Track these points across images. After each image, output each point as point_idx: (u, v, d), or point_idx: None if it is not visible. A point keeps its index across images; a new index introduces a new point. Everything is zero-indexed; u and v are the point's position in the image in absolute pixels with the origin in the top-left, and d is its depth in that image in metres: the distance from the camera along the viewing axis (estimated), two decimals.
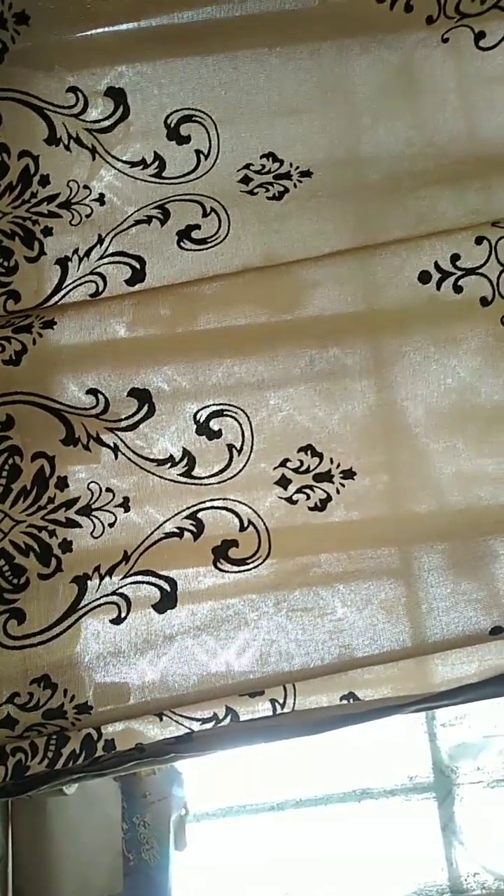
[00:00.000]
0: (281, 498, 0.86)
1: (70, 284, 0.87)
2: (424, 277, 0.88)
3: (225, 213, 0.89)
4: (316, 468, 0.87)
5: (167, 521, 0.85)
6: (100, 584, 0.82)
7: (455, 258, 0.88)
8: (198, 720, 0.82)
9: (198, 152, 0.91)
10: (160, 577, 0.83)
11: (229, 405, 0.87)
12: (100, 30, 0.90)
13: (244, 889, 1.27)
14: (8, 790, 0.76)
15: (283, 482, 0.87)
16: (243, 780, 1.30)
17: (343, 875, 1.25)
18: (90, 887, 1.01)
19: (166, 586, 0.83)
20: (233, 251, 0.89)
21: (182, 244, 0.89)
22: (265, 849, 1.28)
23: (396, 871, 1.26)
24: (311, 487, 0.87)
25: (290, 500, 0.86)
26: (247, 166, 0.91)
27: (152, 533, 0.84)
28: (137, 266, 0.88)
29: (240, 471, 0.87)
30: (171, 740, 0.80)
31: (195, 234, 0.89)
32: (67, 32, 0.90)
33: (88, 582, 0.82)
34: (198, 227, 0.89)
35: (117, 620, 0.81)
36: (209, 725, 0.82)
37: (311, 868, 1.26)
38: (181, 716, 0.82)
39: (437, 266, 0.88)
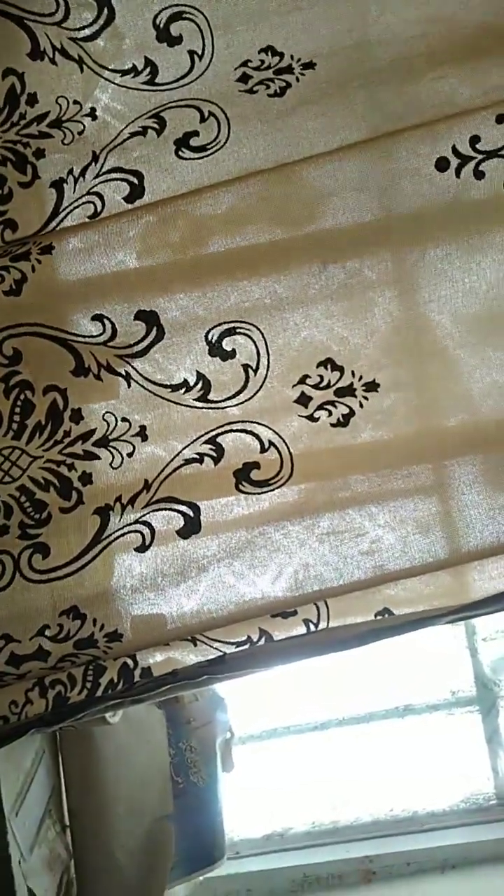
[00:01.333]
0: (302, 416, 0.83)
1: (67, 207, 0.83)
2: (442, 165, 0.81)
3: (224, 115, 0.84)
4: (337, 382, 0.83)
5: (186, 447, 0.83)
6: (122, 515, 0.81)
7: (474, 140, 0.81)
8: (232, 643, 0.81)
9: (191, 53, 0.85)
10: (182, 503, 0.82)
11: (241, 322, 0.84)
12: None
13: (292, 807, 1.30)
14: (48, 720, 0.78)
15: (303, 400, 0.83)
16: (286, 701, 1.32)
17: (389, 791, 1.27)
18: (141, 809, 1.05)
19: (189, 512, 0.82)
20: (235, 156, 0.83)
21: (181, 153, 0.83)
22: (311, 768, 1.30)
23: (442, 785, 1.27)
24: (332, 403, 0.83)
25: (311, 417, 0.83)
26: (244, 63, 0.85)
27: (172, 460, 0.82)
28: (135, 181, 0.83)
29: (257, 391, 0.84)
30: (205, 663, 0.80)
31: (193, 142, 0.84)
32: None
33: (110, 513, 0.81)
34: (196, 133, 0.84)
35: (142, 548, 0.81)
36: (242, 649, 0.81)
37: (357, 786, 1.29)
38: (216, 640, 0.81)
39: (455, 151, 0.81)
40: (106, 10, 0.84)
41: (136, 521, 0.81)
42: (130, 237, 0.86)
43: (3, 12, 0.83)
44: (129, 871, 1.02)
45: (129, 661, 0.81)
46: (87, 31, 0.84)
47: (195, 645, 0.82)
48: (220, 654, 0.80)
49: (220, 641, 0.81)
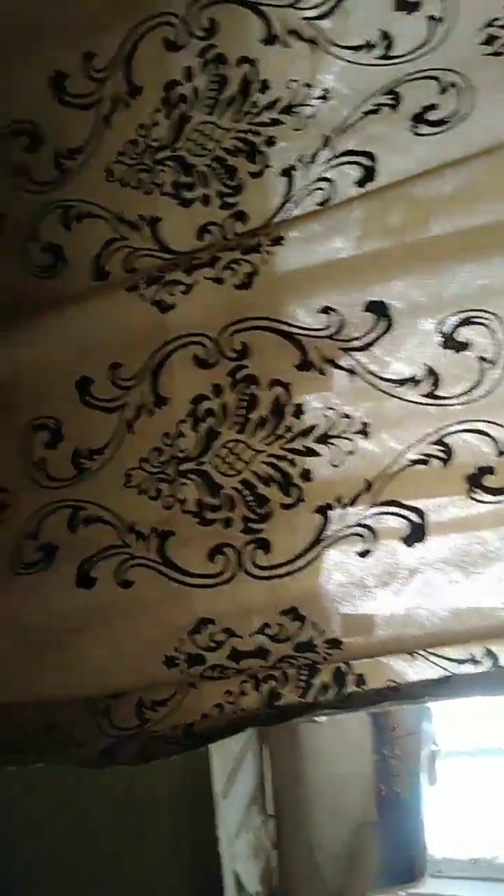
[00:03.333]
0: None
1: (296, 195, 0.81)
2: None
3: (467, 83, 0.76)
4: None
5: (411, 447, 0.77)
6: (343, 515, 0.78)
7: None
8: (453, 661, 0.76)
9: (430, 18, 0.78)
10: (407, 507, 0.77)
11: (479, 311, 0.76)
12: None
13: (496, 828, 1.21)
14: (263, 719, 0.78)
15: None
16: (495, 720, 1.23)
17: None
18: (344, 812, 1.03)
19: (414, 517, 0.76)
20: (479, 128, 0.75)
21: (417, 130, 0.77)
22: None
23: None
24: None
25: None
26: (491, 23, 0.76)
27: (396, 460, 0.77)
28: (368, 163, 0.79)
29: (493, 388, 0.76)
30: (428, 682, 0.75)
31: (431, 116, 0.77)
32: None
33: (330, 512, 0.78)
34: (434, 106, 0.77)
35: (363, 553, 0.77)
36: (465, 668, 0.75)
37: None
38: (434, 654, 0.76)
39: None
40: None
41: (358, 524, 0.77)
42: (349, 222, 0.81)
43: (238, 0, 0.82)
44: (329, 874, 1.01)
45: (343, 666, 0.78)
46: (321, 9, 0.80)
47: (412, 656, 0.77)
48: (443, 671, 0.75)
49: (437, 656, 0.76)
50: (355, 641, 0.77)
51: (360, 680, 0.79)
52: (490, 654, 0.75)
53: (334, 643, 0.77)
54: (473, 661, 0.75)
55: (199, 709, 0.86)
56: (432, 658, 0.77)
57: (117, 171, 0.87)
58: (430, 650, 0.76)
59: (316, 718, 0.97)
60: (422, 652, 0.76)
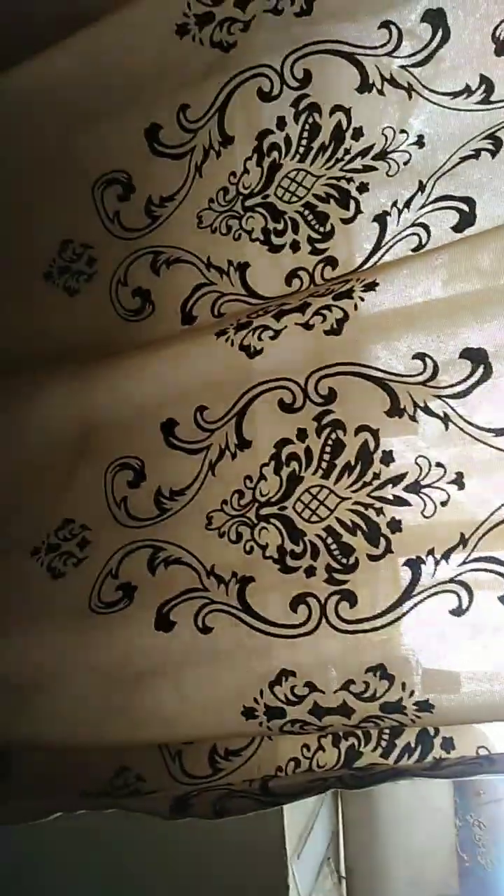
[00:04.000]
0: None
1: (390, 241, 0.80)
2: None
3: None
4: None
5: None
6: (436, 569, 0.74)
7: None
8: None
9: None
10: None
11: None
12: None
13: None
14: (346, 783, 0.74)
15: None
16: None
17: None
18: (423, 881, 0.97)
19: None
20: None
21: None
22: None
23: None
24: None
25: None
26: None
27: (493, 513, 0.74)
28: (466, 208, 0.77)
29: None
30: None
31: None
32: None
33: (422, 566, 0.75)
34: None
35: (458, 611, 0.73)
36: None
37: None
38: None
39: None
40: (440, 31, 0.79)
41: (452, 580, 0.74)
42: (437, 265, 0.80)
43: (333, 51, 0.83)
44: None
45: (430, 728, 0.75)
46: (419, 56, 0.80)
47: None
48: None
49: None
50: (448, 705, 0.73)
51: (448, 744, 0.75)
52: None
53: (425, 705, 0.73)
54: None
55: (274, 761, 0.84)
56: None
57: (207, 218, 0.88)
58: None
59: None
60: None
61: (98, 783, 0.89)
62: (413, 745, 0.76)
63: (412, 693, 0.74)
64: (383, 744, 0.76)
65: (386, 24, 0.80)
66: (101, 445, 0.90)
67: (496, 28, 0.77)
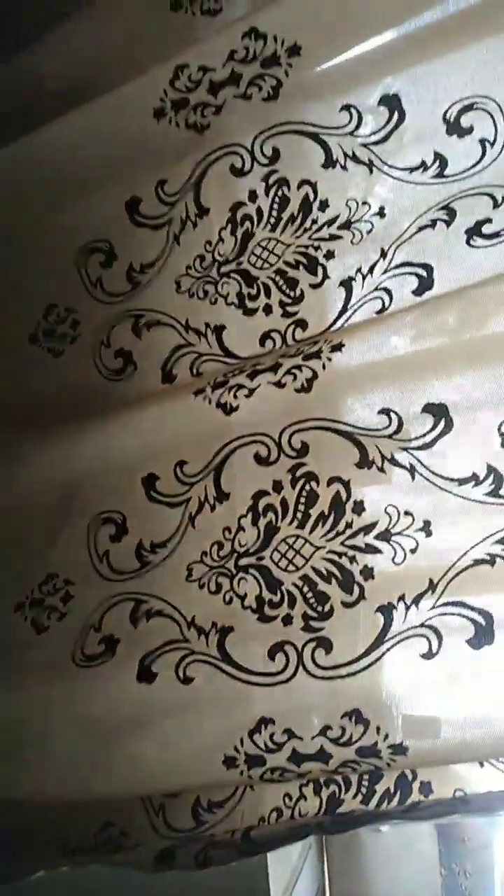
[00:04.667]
0: None
1: (355, 304, 0.85)
2: None
3: None
4: None
5: (475, 546, 0.77)
6: (406, 615, 0.77)
7: None
8: None
9: (482, 141, 0.83)
10: (472, 608, 0.76)
11: None
12: (369, 42, 0.87)
13: None
14: (326, 828, 0.75)
15: None
16: None
17: None
18: None
19: (480, 619, 0.75)
20: None
21: (472, 242, 0.82)
22: None
23: None
24: None
25: None
26: None
27: (459, 560, 0.77)
28: (424, 274, 0.83)
29: None
30: (500, 793, 0.72)
31: (486, 229, 0.81)
32: (337, 54, 0.89)
33: (394, 612, 0.78)
34: (489, 220, 0.81)
35: (428, 655, 0.76)
36: None
37: None
38: None
39: None
40: (397, 113, 0.86)
41: (422, 625, 0.77)
42: (405, 323, 0.85)
43: (299, 131, 0.90)
44: None
45: (408, 772, 0.76)
46: (378, 135, 0.87)
47: (481, 766, 0.74)
48: None
49: None
50: (422, 747, 0.75)
51: (427, 788, 0.76)
52: None
53: (399, 749, 0.75)
54: None
55: (256, 812, 0.84)
56: (502, 766, 0.74)
57: (185, 283, 0.94)
58: (502, 759, 0.73)
59: (380, 827, 0.93)
60: (492, 760, 0.73)
61: (84, 839, 0.89)
62: (392, 790, 0.77)
63: (386, 736, 0.75)
64: (363, 790, 0.78)
65: (347, 108, 0.88)
66: (84, 501, 0.93)
67: (446, 111, 0.84)
